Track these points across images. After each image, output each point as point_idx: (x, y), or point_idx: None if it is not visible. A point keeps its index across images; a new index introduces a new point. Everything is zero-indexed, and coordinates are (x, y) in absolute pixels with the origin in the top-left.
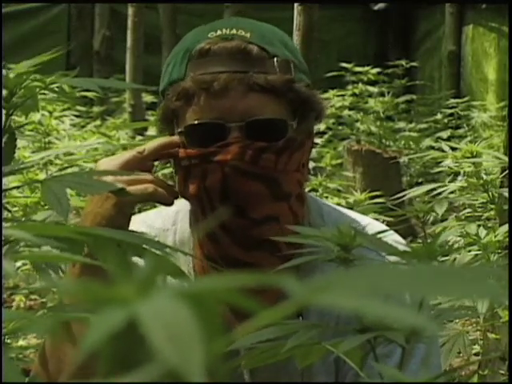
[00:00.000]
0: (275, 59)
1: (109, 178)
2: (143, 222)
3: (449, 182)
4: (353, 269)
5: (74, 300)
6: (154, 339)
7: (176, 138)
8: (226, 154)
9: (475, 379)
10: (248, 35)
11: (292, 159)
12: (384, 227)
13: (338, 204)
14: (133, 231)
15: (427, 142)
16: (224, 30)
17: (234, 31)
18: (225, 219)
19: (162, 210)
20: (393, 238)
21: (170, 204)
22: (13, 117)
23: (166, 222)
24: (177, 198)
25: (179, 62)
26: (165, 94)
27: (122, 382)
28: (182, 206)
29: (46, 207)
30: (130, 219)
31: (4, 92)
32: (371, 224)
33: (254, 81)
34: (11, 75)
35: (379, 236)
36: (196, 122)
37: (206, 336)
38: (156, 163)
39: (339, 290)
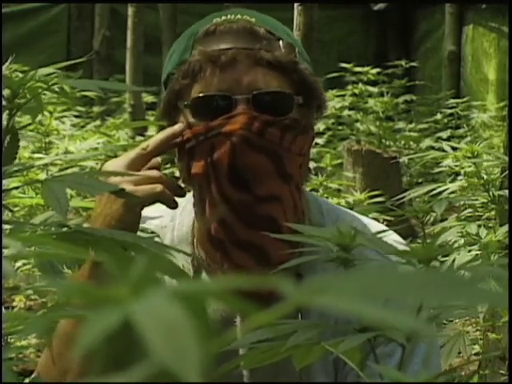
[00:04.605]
0: (280, 41)
1: (116, 179)
2: (141, 218)
3: (449, 182)
4: (351, 270)
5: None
6: (149, 339)
7: (177, 126)
8: (233, 124)
9: (475, 379)
10: (253, 20)
11: (296, 141)
12: (383, 227)
13: (338, 204)
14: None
15: (427, 142)
16: (229, 16)
17: (239, 16)
18: (230, 195)
19: (160, 205)
20: (392, 237)
21: (174, 207)
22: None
23: (164, 219)
24: (183, 195)
25: (184, 46)
26: (168, 81)
27: (119, 382)
28: (180, 201)
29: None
30: (139, 217)
31: (7, 92)
32: (371, 224)
33: (260, 56)
34: (14, 76)
35: (379, 236)
36: (202, 95)
37: (200, 336)
38: (160, 159)
39: (336, 293)
